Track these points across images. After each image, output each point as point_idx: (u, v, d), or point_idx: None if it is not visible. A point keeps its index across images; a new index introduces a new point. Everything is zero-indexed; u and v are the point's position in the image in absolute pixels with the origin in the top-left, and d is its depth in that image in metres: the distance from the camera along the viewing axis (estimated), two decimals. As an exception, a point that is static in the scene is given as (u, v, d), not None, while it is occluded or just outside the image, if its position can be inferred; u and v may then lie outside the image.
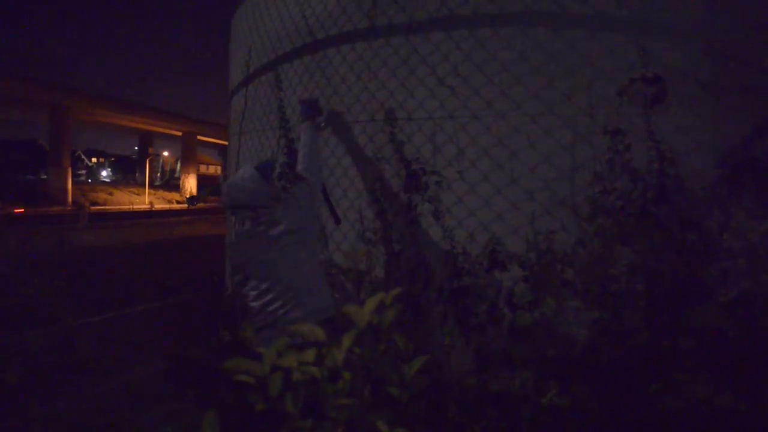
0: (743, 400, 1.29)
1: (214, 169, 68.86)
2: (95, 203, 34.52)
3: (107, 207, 34.44)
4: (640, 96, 2.08)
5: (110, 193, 40.89)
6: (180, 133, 47.76)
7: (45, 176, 38.32)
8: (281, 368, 0.69)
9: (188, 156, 48.15)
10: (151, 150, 51.84)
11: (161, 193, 47.50)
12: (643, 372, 1.83)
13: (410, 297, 2.24)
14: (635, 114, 2.06)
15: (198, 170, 50.99)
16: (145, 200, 39.50)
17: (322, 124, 2.43)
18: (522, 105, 2.11)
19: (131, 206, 35.24)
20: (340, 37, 2.51)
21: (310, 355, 0.71)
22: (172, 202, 41.72)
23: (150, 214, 26.83)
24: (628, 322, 1.97)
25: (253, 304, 1.93)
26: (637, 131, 2.06)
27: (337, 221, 2.38)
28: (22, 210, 26.03)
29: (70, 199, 32.99)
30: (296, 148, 2.68)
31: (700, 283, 1.98)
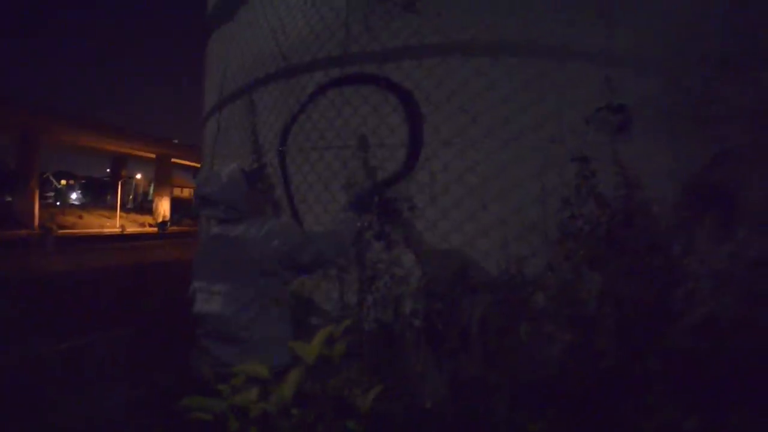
0: (708, 423, 1.31)
1: (188, 192, 67.93)
2: (63, 226, 33.54)
3: (76, 230, 33.50)
4: (606, 124, 2.14)
5: (80, 216, 39.84)
6: (154, 156, 47.12)
7: (9, 198, 37.03)
8: (236, 406, 0.68)
9: (162, 178, 47.43)
10: (123, 172, 50.95)
11: (134, 216, 46.53)
12: (614, 394, 1.85)
13: (382, 324, 2.22)
14: (602, 141, 2.12)
15: (172, 193, 50.22)
16: (116, 223, 38.61)
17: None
18: (493, 132, 2.15)
19: (101, 230, 34.38)
20: (314, 63, 2.53)
21: (253, 393, 0.69)
22: (145, 226, 40.85)
23: (121, 237, 26.20)
24: (599, 345, 1.99)
25: (210, 307, 1.72)
26: (604, 158, 2.12)
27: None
28: (-18, 234, 25.12)
29: (36, 222, 32.02)
30: (269, 173, 2.67)
31: (667, 306, 2.02)
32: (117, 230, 34.73)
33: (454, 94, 2.19)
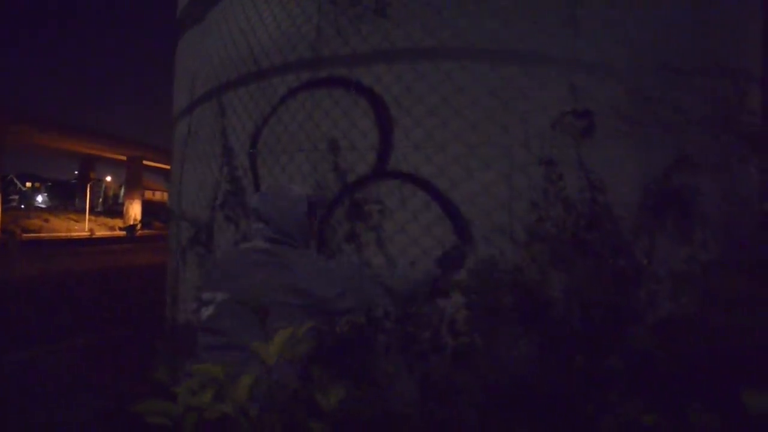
0: (666, 418, 1.35)
1: (160, 195, 66.60)
2: (29, 230, 32.47)
3: (42, 234, 32.48)
4: (572, 129, 2.20)
5: (46, 220, 38.65)
6: (125, 158, 46.07)
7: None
8: (193, 408, 0.67)
9: (133, 181, 46.41)
10: (92, 174, 49.67)
11: (103, 219, 45.38)
12: (581, 394, 1.89)
13: (354, 326, 2.22)
14: (568, 145, 2.18)
15: (143, 196, 49.17)
16: (84, 227, 37.58)
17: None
18: (461, 136, 2.18)
19: (69, 233, 33.41)
20: (285, 66, 2.53)
21: (207, 395, 0.69)
22: (114, 229, 39.85)
23: (90, 241, 25.51)
24: (565, 346, 2.03)
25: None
26: (570, 162, 2.17)
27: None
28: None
29: None
30: (239, 176, 2.65)
31: (630, 307, 2.08)
32: (86, 234, 33.82)
33: (423, 98, 2.22)
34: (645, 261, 2.05)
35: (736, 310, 1.56)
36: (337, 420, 0.91)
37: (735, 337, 1.46)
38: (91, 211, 44.96)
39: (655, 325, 1.94)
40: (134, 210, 44.63)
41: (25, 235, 28.07)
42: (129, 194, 46.58)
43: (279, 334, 0.81)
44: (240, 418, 0.69)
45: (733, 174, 2.19)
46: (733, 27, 2.37)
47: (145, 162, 47.38)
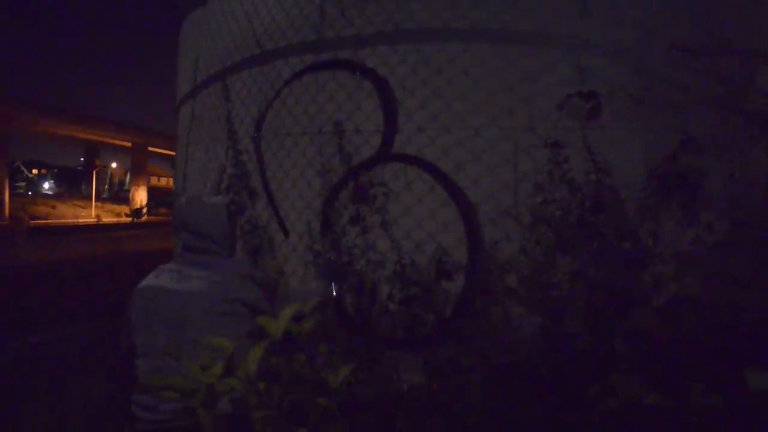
0: (669, 399, 1.36)
1: (166, 181, 66.80)
2: (36, 217, 32.72)
3: (49, 221, 32.72)
4: (578, 110, 2.18)
5: (53, 206, 38.92)
6: (130, 144, 46.13)
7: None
8: (203, 383, 0.68)
9: (138, 167, 46.53)
10: (98, 161, 49.83)
11: (109, 205, 45.63)
12: (584, 375, 1.90)
13: (359, 308, 2.24)
14: (573, 127, 2.16)
15: (149, 182, 49.36)
16: (91, 213, 37.82)
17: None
18: (466, 118, 2.17)
19: (76, 220, 33.63)
20: (289, 49, 2.51)
21: (218, 368, 0.70)
22: (121, 215, 40.08)
23: (96, 227, 25.68)
24: (569, 327, 2.04)
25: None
26: (575, 144, 2.15)
27: (285, 233, 2.36)
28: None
29: (7, 212, 31.16)
30: (244, 160, 2.65)
31: (635, 288, 2.08)
32: (92, 220, 34.03)
33: (428, 80, 2.20)
34: (650, 242, 2.05)
35: (740, 290, 1.56)
36: (343, 398, 0.92)
37: (739, 317, 1.46)
38: (98, 198, 45.20)
39: (659, 306, 1.95)
40: (140, 196, 44.83)
41: (32, 221, 28.29)
42: (135, 180, 46.76)
43: (284, 309, 0.82)
44: (248, 393, 0.70)
45: (741, 155, 2.17)
46: (742, 6, 2.32)
47: (150, 148, 47.46)
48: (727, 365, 1.48)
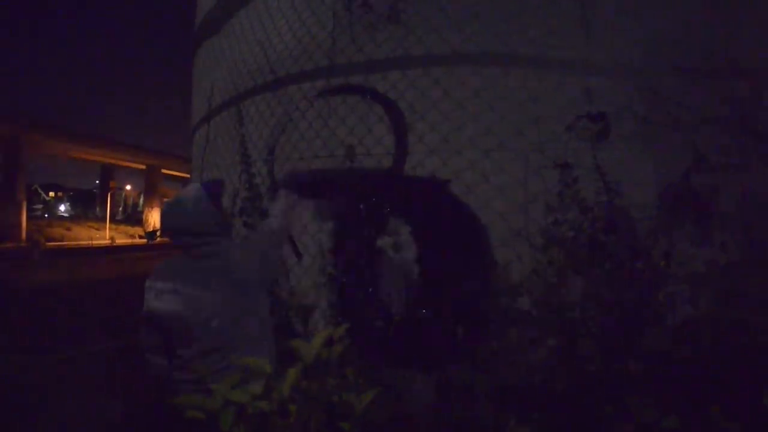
0: (686, 422, 1.35)
1: (179, 203, 67.20)
2: (52, 239, 33.18)
3: (65, 243, 33.16)
4: (587, 132, 2.20)
5: (68, 228, 39.47)
6: (144, 166, 46.89)
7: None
8: (233, 403, 0.70)
9: (152, 189, 47.19)
10: (112, 183, 50.61)
11: (123, 227, 46.16)
12: (597, 396, 1.88)
13: (372, 330, 2.25)
14: (583, 148, 2.17)
15: (162, 204, 49.93)
16: (105, 235, 38.27)
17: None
18: (476, 141, 2.20)
19: (90, 242, 34.05)
20: (301, 75, 2.57)
21: (257, 387, 0.71)
22: (135, 237, 40.53)
23: (110, 249, 25.97)
24: (583, 348, 2.03)
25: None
26: (585, 165, 2.17)
27: (298, 255, 2.38)
28: (-30, 247, 24.77)
29: (24, 235, 31.68)
30: (257, 183, 2.70)
31: (649, 309, 2.06)
32: (107, 242, 34.41)
33: (438, 103, 2.24)
34: (663, 263, 2.04)
35: (756, 310, 1.54)
36: (364, 420, 0.93)
37: (755, 338, 1.45)
38: (112, 219, 45.79)
39: (673, 327, 1.93)
40: (153, 218, 45.32)
41: (48, 243, 28.69)
42: (148, 202, 47.37)
43: (317, 335, 0.84)
44: (275, 416, 0.71)
45: (753, 174, 2.17)
46: (747, 27, 2.35)
47: (163, 170, 48.18)
48: (743, 386, 1.46)
